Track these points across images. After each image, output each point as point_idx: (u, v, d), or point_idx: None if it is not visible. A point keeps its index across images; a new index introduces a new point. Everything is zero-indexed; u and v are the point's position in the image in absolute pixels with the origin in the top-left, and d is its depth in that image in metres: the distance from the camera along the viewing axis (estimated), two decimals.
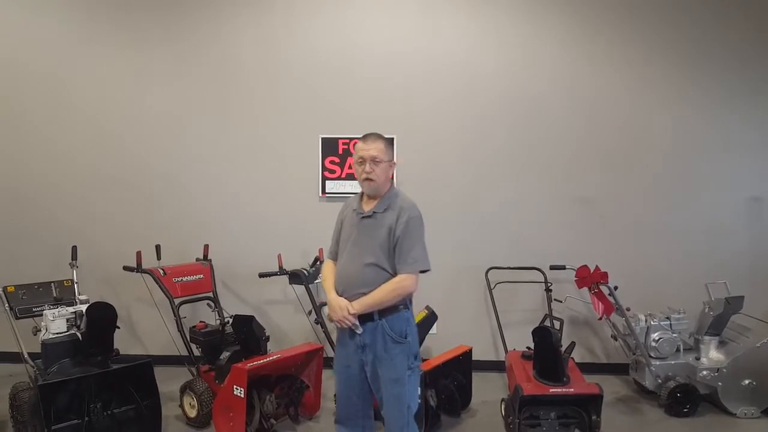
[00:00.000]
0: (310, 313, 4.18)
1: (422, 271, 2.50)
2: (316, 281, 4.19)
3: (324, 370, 3.73)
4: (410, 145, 4.64)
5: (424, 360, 3.71)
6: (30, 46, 4.79)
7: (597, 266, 3.85)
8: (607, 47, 4.59)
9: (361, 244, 2.53)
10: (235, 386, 3.23)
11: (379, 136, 2.57)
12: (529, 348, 3.87)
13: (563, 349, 3.62)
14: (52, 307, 3.64)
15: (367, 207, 2.59)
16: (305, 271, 4.12)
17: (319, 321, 4.04)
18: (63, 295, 3.83)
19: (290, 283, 4.21)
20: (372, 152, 2.50)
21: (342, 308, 2.46)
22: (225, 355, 3.76)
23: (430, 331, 4.00)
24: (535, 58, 4.62)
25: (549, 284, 4.36)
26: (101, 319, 3.43)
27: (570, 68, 4.61)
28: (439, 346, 4.20)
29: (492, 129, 4.66)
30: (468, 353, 3.84)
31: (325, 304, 4.16)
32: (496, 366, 4.61)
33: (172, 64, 4.76)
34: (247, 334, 3.68)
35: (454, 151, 4.69)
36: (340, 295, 2.52)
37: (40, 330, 3.53)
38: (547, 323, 4.05)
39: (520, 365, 3.80)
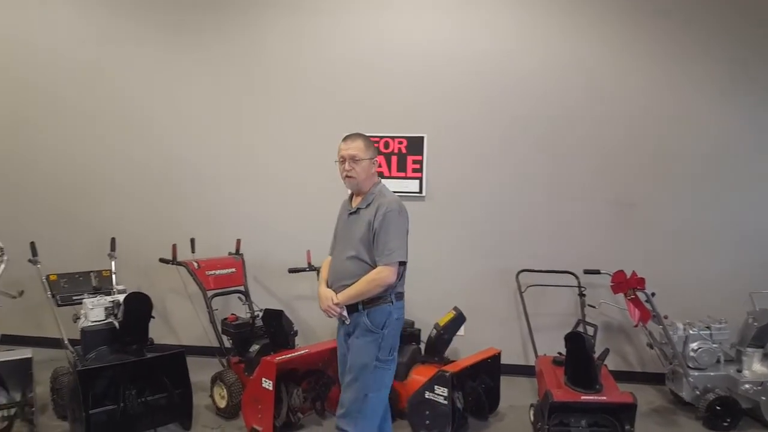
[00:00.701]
0: None
1: (402, 263, 2.58)
2: None
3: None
4: (440, 145, 4.61)
5: (451, 361, 3.71)
6: (77, 43, 4.97)
7: (634, 272, 3.76)
8: (649, 44, 4.44)
9: (345, 238, 2.70)
10: (264, 379, 3.28)
11: (359, 136, 2.69)
12: (560, 353, 3.81)
13: (596, 355, 3.54)
14: (91, 295, 3.76)
15: (354, 204, 2.74)
16: None
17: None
18: (102, 284, 3.97)
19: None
20: (351, 151, 2.64)
21: (327, 298, 2.61)
22: (255, 347, 3.81)
23: (458, 333, 3.96)
24: (572, 57, 4.51)
25: (582, 288, 4.26)
26: (137, 308, 3.54)
27: (610, 67, 4.49)
28: (467, 348, 4.17)
29: (527, 129, 4.58)
30: (497, 356, 3.79)
31: None
32: (526, 371, 4.53)
33: (208, 63, 4.86)
34: (277, 328, 3.73)
35: (487, 152, 4.63)
36: (329, 287, 2.68)
37: (79, 317, 3.66)
38: (580, 329, 3.97)
39: (551, 371, 3.74)
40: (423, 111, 4.64)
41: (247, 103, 4.84)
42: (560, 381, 3.50)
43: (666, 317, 3.91)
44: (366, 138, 2.71)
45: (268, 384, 3.27)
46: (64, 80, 5.00)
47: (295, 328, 3.87)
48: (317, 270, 4.17)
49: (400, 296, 2.66)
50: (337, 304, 2.57)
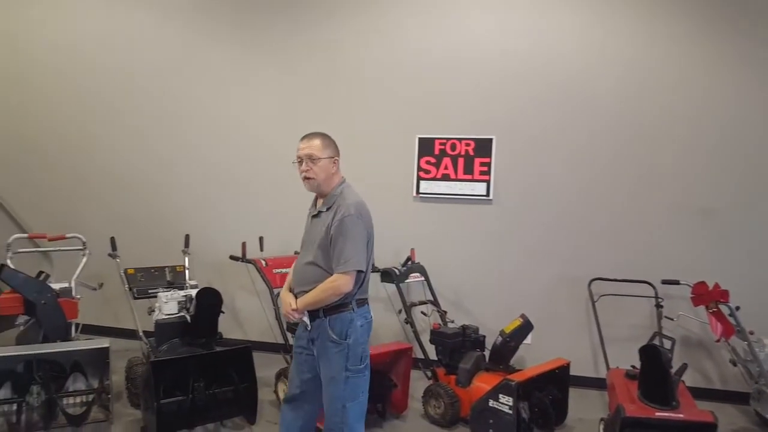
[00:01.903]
0: (399, 312, 4.18)
1: (359, 272, 2.47)
2: (408, 281, 4.18)
3: (412, 371, 3.73)
4: (510, 148, 4.51)
5: (517, 370, 3.61)
6: (151, 43, 5.19)
7: (717, 283, 3.56)
8: (740, 43, 4.16)
9: (306, 242, 2.64)
10: None
11: (316, 134, 2.60)
12: (634, 367, 3.64)
13: (673, 370, 3.35)
14: (165, 290, 3.91)
15: (318, 206, 2.66)
16: (396, 270, 4.13)
17: (409, 321, 4.03)
18: (175, 279, 4.13)
19: (382, 281, 4.24)
20: (307, 150, 2.54)
21: (287, 304, 2.59)
22: None
23: (525, 341, 3.85)
24: (656, 58, 4.28)
25: (660, 300, 4.05)
26: (208, 303, 3.66)
27: (699, 72, 4.22)
28: (535, 357, 4.06)
29: (604, 133, 4.39)
30: (565, 367, 3.66)
31: (415, 304, 4.20)
32: (596, 383, 4.35)
33: (278, 64, 4.95)
34: None
35: (559, 155, 4.48)
36: (292, 291, 2.64)
37: (154, 310, 3.82)
38: (657, 342, 3.78)
39: (624, 384, 3.57)
40: (493, 112, 4.54)
41: (316, 102, 4.91)
42: (633, 395, 3.34)
43: (752, 333, 3.67)
44: (325, 136, 2.62)
45: None
46: (140, 81, 5.24)
47: None
48: (380, 272, 4.17)
49: (362, 302, 2.58)
50: (295, 310, 2.54)
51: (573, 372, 3.73)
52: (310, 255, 2.56)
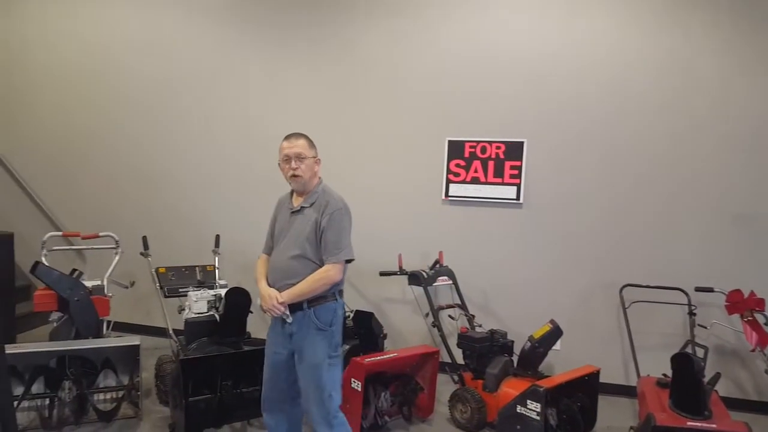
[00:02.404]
0: (427, 315, 4.16)
1: (348, 261, 2.63)
2: (435, 284, 4.16)
3: (439, 374, 3.71)
4: (541, 151, 4.45)
5: (546, 376, 3.56)
6: (185, 45, 5.27)
7: (752, 291, 3.47)
8: None
9: (289, 237, 2.68)
10: (352, 379, 3.31)
11: (301, 135, 2.72)
12: (665, 375, 3.57)
13: (706, 380, 3.27)
14: (195, 289, 3.95)
15: (297, 203, 2.74)
16: (424, 273, 4.11)
17: (436, 324, 4.01)
18: (206, 278, 4.17)
19: (409, 284, 4.22)
20: (296, 149, 2.65)
21: (271, 297, 2.59)
22: (344, 347, 3.85)
23: (554, 347, 3.80)
24: (692, 59, 4.18)
25: (693, 307, 3.96)
26: (237, 303, 3.68)
27: (737, 77, 4.11)
28: (563, 363, 4.00)
29: (638, 136, 4.30)
30: (595, 374, 3.59)
31: (442, 307, 4.18)
32: (626, 391, 4.27)
33: (308, 64, 4.97)
34: (367, 329, 3.75)
35: (592, 159, 4.40)
36: (271, 287, 2.65)
37: (184, 309, 3.87)
38: (689, 350, 3.69)
39: (654, 393, 3.50)
40: (524, 115, 4.49)
41: (345, 103, 4.91)
42: (664, 404, 3.27)
43: None
44: (308, 136, 2.73)
45: (356, 385, 3.29)
46: (171, 81, 5.31)
47: (384, 331, 3.88)
48: (408, 274, 4.16)
49: (341, 293, 2.72)
50: (281, 303, 2.56)
51: (602, 379, 3.66)
52: (296, 249, 2.62)
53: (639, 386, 3.78)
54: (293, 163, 2.65)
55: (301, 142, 2.69)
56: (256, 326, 4.08)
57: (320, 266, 2.60)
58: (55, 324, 3.83)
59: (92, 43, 5.48)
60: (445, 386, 3.96)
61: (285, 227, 2.73)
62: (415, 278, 4.13)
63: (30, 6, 5.60)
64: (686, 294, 4.04)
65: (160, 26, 5.32)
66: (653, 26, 4.24)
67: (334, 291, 2.65)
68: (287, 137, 2.73)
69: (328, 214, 2.60)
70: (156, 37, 5.33)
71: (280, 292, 2.61)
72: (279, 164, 2.75)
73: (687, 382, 3.19)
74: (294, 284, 2.58)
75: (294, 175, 2.67)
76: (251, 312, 3.73)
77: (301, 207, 2.69)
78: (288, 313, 2.59)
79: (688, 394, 3.17)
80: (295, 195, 2.80)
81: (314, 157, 2.73)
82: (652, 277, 4.18)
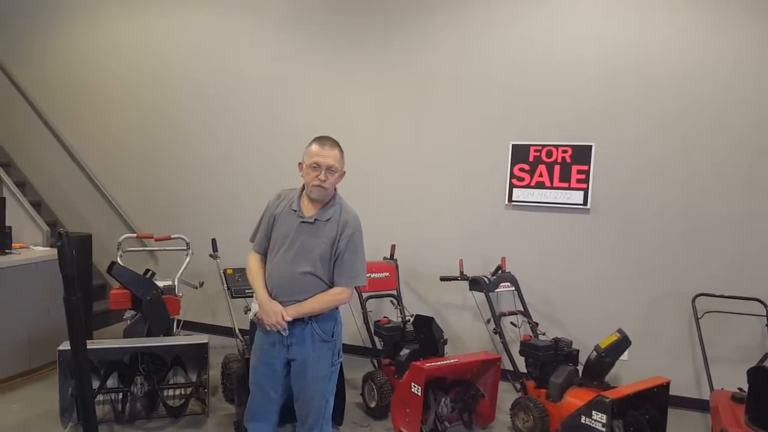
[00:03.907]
0: (488, 321, 4.11)
1: None
2: (497, 290, 4.11)
3: (501, 382, 3.67)
4: (610, 155, 4.30)
5: (612, 387, 3.45)
6: (243, 47, 5.39)
7: None
8: None
9: (298, 249, 2.52)
10: (413, 384, 3.31)
11: (336, 143, 2.56)
12: (741, 389, 3.38)
13: None
14: None
15: (308, 211, 2.57)
16: (486, 279, 4.06)
17: (498, 331, 3.95)
18: None
19: (470, 290, 4.18)
20: (329, 161, 2.50)
21: (276, 313, 2.47)
22: (405, 351, 3.86)
23: (621, 357, 3.66)
24: (764, 56, 3.95)
25: None
26: None
27: None
28: (631, 374, 3.87)
29: (709, 138, 4.09)
30: (665, 386, 3.44)
31: (504, 314, 4.11)
32: (698, 404, 4.08)
33: (373, 68, 4.98)
34: (426, 334, 3.74)
35: (662, 162, 4.21)
36: (273, 299, 2.54)
37: (249, 309, 3.94)
38: (767, 364, 3.48)
39: (729, 407, 3.33)
40: (592, 118, 4.35)
41: (407, 109, 4.90)
42: (739, 419, 3.12)
43: None
44: (340, 146, 2.59)
45: (416, 389, 3.29)
46: (240, 85, 5.42)
47: (444, 337, 3.86)
48: (469, 280, 4.12)
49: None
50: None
51: (673, 392, 3.50)
52: (308, 265, 2.51)
53: (712, 400, 3.60)
54: (323, 174, 2.49)
55: (335, 153, 2.54)
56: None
57: (328, 285, 2.54)
58: (128, 322, 4.01)
59: (162, 51, 5.69)
60: (507, 394, 3.90)
61: (290, 235, 2.54)
62: (476, 284, 4.08)
63: (106, 18, 5.88)
64: (764, 305, 3.83)
65: (226, 30, 5.43)
66: (720, 22, 4.03)
67: None
68: (320, 142, 2.56)
69: (347, 236, 2.53)
70: (223, 42, 5.44)
71: (283, 305, 2.50)
72: (301, 164, 2.58)
73: (764, 396, 3.04)
74: (299, 300, 2.50)
75: (320, 186, 2.51)
76: None
77: (315, 219, 2.55)
78: (286, 326, 2.51)
79: (765, 409, 3.02)
80: (306, 200, 2.61)
81: (342, 172, 2.61)
82: (727, 286, 3.97)
